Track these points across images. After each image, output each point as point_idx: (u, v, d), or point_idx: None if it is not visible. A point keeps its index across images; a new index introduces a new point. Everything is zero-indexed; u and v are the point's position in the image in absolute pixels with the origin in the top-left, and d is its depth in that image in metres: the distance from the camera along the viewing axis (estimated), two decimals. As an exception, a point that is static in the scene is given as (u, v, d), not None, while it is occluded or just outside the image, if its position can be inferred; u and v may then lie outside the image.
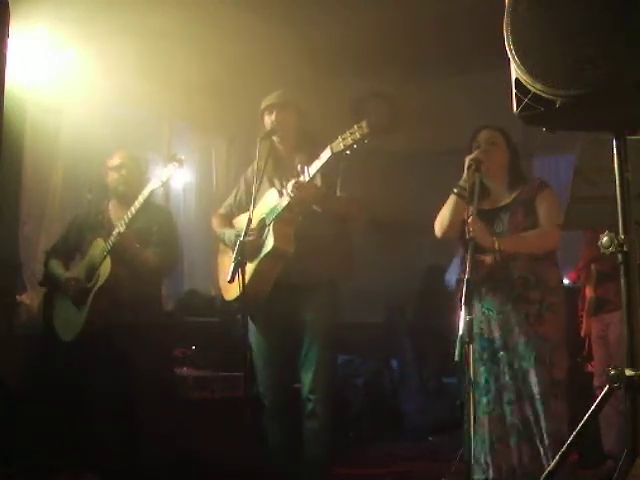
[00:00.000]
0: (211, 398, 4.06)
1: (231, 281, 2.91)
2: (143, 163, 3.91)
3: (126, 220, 3.47)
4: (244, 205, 3.39)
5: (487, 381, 2.97)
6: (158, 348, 3.71)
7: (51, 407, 3.74)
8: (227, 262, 3.16)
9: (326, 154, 2.95)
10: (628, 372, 1.66)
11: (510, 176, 3.19)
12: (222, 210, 3.55)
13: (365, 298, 5.54)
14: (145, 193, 3.46)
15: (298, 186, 3.01)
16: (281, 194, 3.14)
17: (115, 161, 3.74)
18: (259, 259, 3.10)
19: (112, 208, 3.79)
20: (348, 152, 2.88)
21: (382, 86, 6.32)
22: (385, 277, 5.97)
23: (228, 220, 3.46)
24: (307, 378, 3.17)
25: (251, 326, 3.29)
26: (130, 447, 3.50)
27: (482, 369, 2.97)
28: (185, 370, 4.30)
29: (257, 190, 3.07)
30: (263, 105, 3.35)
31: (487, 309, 3.04)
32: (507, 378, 2.95)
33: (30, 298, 4.39)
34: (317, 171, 3.01)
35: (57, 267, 3.81)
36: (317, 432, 3.16)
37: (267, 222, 3.13)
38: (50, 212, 4.66)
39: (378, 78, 6.08)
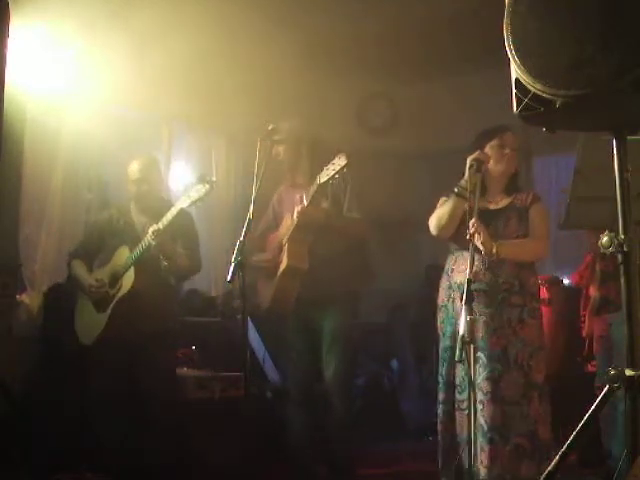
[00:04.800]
0: (211, 398, 4.05)
1: (231, 281, 2.95)
2: (160, 168, 3.99)
3: (156, 233, 3.48)
4: (273, 229, 3.78)
5: (463, 379, 2.97)
6: (169, 354, 3.83)
7: (51, 407, 3.73)
8: (264, 284, 3.68)
9: (314, 186, 3.35)
10: (628, 372, 1.66)
11: (509, 180, 3.20)
12: (257, 234, 3.80)
13: (365, 298, 5.53)
14: (174, 211, 3.50)
15: (299, 212, 3.42)
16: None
17: (135, 174, 3.75)
18: (277, 276, 3.53)
19: (134, 214, 3.82)
20: (331, 181, 3.27)
21: (383, 87, 6.33)
22: (385, 277, 5.96)
23: (262, 243, 3.78)
24: (328, 373, 3.63)
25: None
26: (130, 447, 3.50)
27: (460, 368, 2.98)
28: (185, 370, 4.29)
29: (257, 191, 3.15)
30: (275, 136, 3.47)
31: None
32: (481, 379, 2.95)
33: (30, 298, 4.38)
34: (310, 199, 3.40)
35: (80, 268, 3.84)
36: (338, 420, 3.65)
37: (283, 243, 3.56)
38: (50, 212, 4.65)
39: (379, 79, 6.09)
